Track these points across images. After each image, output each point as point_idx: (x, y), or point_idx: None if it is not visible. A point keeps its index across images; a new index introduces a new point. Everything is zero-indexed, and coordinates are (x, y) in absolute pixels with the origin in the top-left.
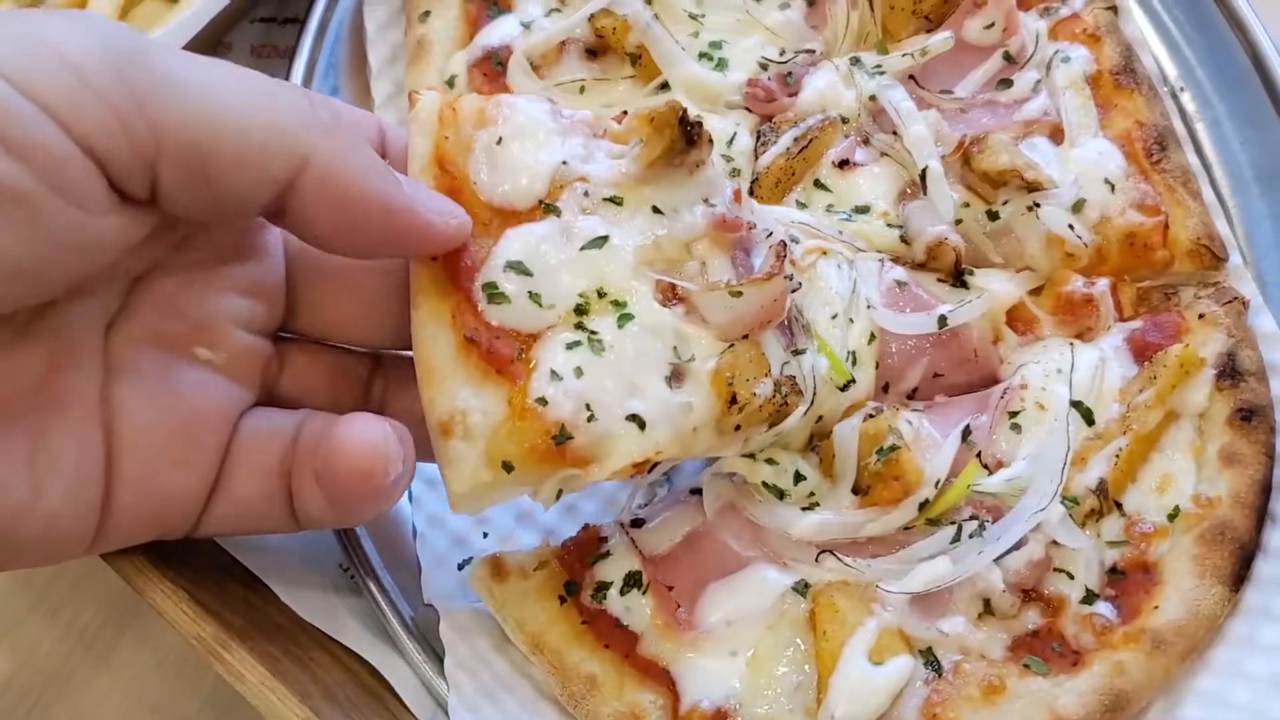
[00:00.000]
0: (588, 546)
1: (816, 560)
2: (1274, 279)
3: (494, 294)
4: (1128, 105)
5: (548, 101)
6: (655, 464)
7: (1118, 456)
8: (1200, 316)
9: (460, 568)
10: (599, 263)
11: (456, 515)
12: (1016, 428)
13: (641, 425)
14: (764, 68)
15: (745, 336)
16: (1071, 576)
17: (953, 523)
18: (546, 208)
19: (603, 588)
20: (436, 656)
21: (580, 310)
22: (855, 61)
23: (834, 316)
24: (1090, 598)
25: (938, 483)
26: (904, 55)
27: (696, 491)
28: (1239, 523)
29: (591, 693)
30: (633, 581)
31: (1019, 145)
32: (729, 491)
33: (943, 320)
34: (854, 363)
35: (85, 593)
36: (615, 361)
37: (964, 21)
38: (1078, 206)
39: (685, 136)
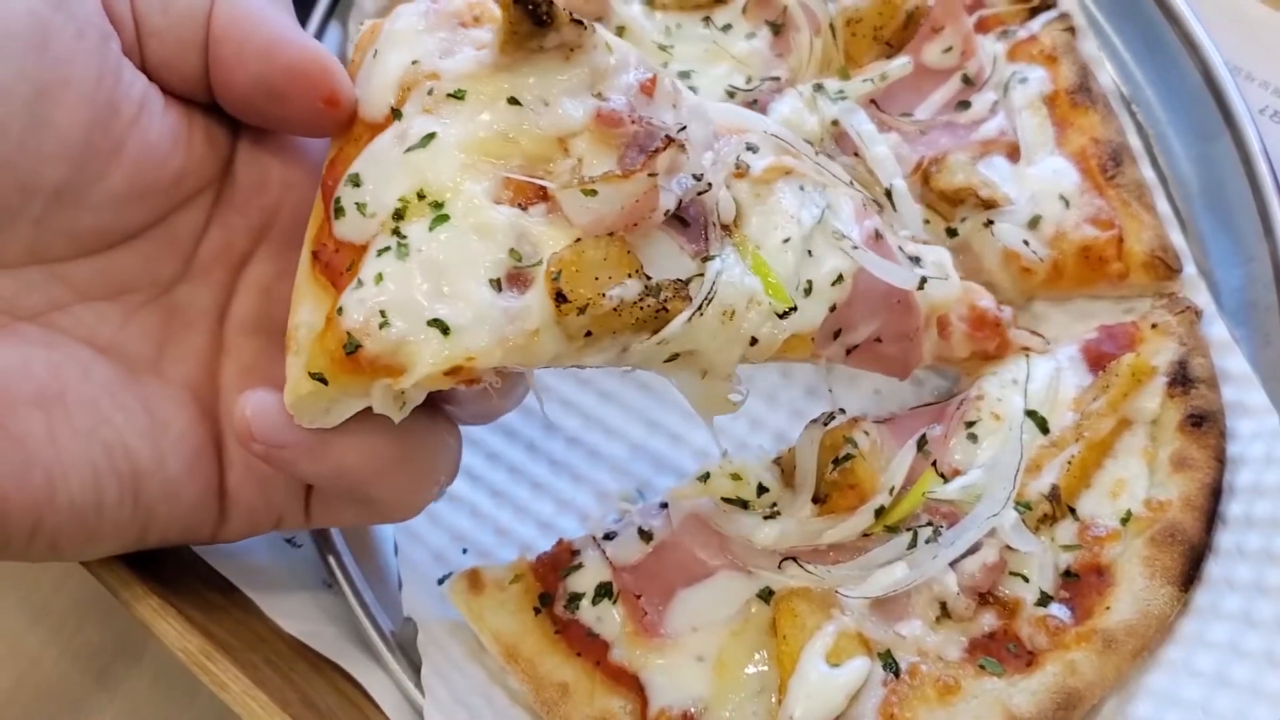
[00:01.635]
0: (561, 559)
1: (779, 567)
2: (1228, 289)
3: (337, 208)
4: (1083, 123)
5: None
6: (478, 373)
7: (1070, 463)
8: (1153, 326)
9: (440, 582)
10: (421, 164)
11: (435, 532)
12: (973, 437)
13: (445, 330)
14: (731, 95)
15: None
16: (1026, 580)
17: (909, 529)
18: (395, 113)
19: (575, 598)
20: (416, 668)
21: (398, 215)
22: (818, 88)
23: (786, 240)
24: (1045, 600)
25: (893, 490)
26: (865, 80)
27: (666, 505)
28: (1189, 525)
29: (564, 699)
30: (604, 591)
31: (977, 165)
32: (694, 502)
33: (923, 282)
34: (807, 294)
35: (83, 609)
36: (421, 266)
37: (923, 46)
38: (1033, 222)
39: (531, 17)
